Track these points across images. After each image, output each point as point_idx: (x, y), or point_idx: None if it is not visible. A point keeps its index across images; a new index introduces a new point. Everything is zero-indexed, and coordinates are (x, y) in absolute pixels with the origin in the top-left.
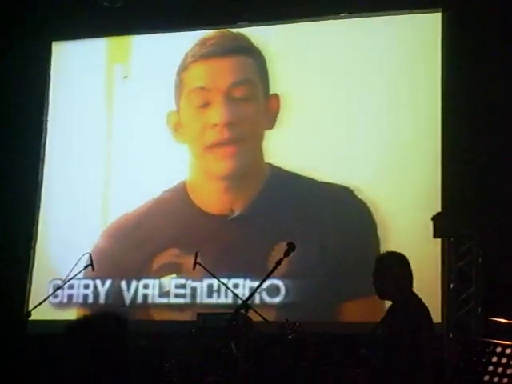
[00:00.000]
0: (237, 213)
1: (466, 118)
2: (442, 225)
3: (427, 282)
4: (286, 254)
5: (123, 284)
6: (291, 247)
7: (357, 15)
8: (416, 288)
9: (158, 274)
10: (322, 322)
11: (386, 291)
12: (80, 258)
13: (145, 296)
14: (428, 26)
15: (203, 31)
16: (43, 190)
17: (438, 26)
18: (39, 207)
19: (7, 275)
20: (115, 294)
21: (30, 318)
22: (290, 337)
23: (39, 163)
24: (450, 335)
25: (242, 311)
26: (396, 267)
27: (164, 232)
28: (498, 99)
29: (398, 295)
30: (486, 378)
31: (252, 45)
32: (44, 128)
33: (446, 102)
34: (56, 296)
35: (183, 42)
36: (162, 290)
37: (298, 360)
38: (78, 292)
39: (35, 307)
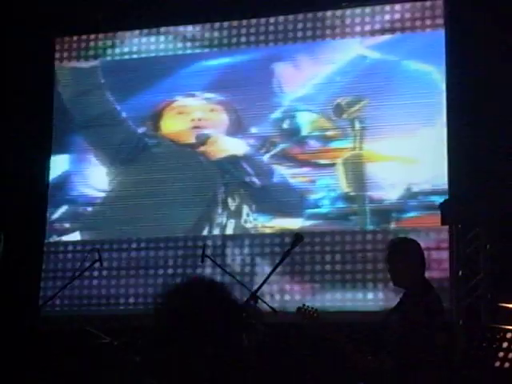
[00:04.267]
0: None
1: (471, 103)
2: (449, 212)
3: (435, 269)
4: (294, 245)
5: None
6: (299, 238)
7: (356, 4)
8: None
9: None
10: (330, 311)
11: (400, 278)
12: (88, 253)
13: None
14: (430, 16)
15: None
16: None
17: (440, 15)
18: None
19: (18, 271)
20: None
21: (41, 314)
22: (305, 320)
23: (45, 161)
24: (460, 322)
25: (252, 302)
26: (409, 254)
27: None
28: (502, 84)
29: (412, 283)
30: (497, 363)
31: None
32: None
33: (451, 87)
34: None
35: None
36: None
37: (311, 348)
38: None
39: (45, 302)
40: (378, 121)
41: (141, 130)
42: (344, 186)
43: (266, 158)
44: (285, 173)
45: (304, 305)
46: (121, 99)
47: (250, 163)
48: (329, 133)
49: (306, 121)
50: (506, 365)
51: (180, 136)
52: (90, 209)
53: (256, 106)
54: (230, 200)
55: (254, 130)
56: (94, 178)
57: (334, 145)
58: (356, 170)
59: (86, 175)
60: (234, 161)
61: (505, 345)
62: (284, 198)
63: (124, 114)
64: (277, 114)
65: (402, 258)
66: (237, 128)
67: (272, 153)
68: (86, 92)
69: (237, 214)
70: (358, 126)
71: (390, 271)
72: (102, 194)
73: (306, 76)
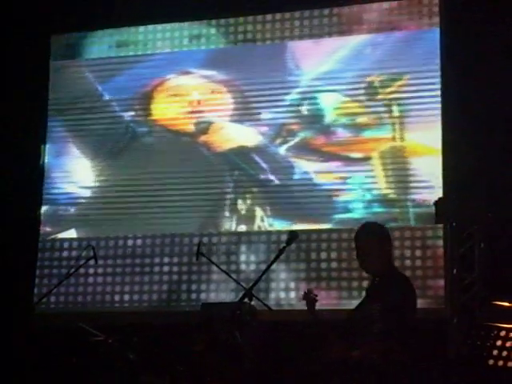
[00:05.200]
0: None
1: (466, 101)
2: (443, 210)
3: (430, 267)
4: (289, 242)
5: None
6: (294, 236)
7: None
8: (419, 273)
9: None
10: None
11: (370, 266)
12: (83, 250)
13: None
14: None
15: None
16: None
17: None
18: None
19: (13, 268)
20: None
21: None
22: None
23: (40, 157)
24: (454, 320)
25: (246, 300)
26: (381, 238)
27: None
28: (498, 78)
29: (383, 268)
30: (491, 362)
31: None
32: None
33: (446, 83)
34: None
35: None
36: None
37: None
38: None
39: (40, 300)
40: (421, 104)
41: (128, 116)
42: (382, 186)
43: (282, 150)
44: (307, 168)
45: (309, 290)
46: (102, 77)
47: (264, 156)
48: (360, 119)
49: (331, 104)
50: (500, 363)
51: (175, 123)
52: (72, 210)
53: (267, 86)
54: (239, 201)
55: (265, 115)
56: (77, 173)
57: (367, 134)
58: (396, 165)
59: (67, 169)
60: (243, 153)
61: (499, 343)
62: (306, 199)
63: (107, 96)
64: (293, 96)
65: (374, 241)
66: (244, 113)
67: (290, 144)
68: (59, 69)
69: (248, 218)
70: (396, 110)
71: (360, 256)
72: (87, 193)
73: (327, 48)
